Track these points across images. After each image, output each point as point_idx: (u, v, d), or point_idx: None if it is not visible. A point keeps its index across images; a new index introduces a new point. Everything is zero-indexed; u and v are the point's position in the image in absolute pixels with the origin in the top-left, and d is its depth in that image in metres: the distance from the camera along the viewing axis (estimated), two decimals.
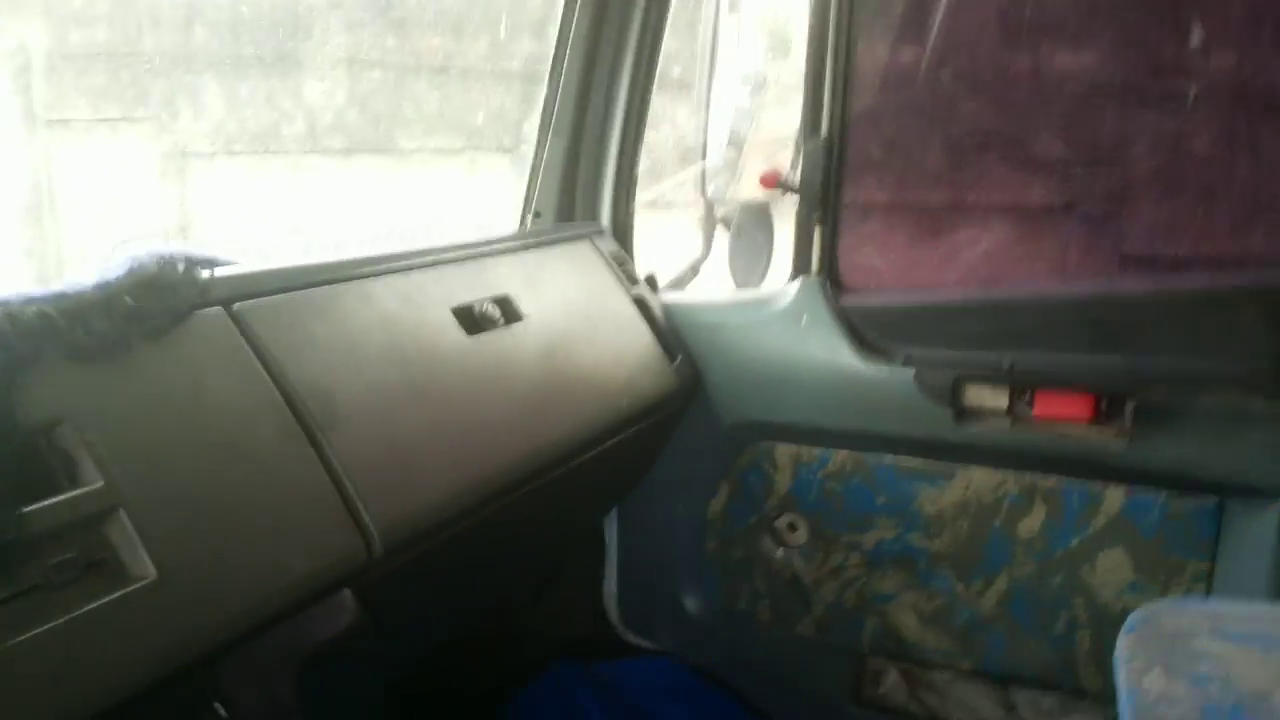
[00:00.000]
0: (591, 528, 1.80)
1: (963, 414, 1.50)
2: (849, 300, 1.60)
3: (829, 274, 1.60)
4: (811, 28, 1.57)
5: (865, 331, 1.57)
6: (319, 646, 0.96)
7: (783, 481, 1.67)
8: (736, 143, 2.42)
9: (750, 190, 2.19)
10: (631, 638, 1.87)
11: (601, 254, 1.62)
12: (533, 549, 1.63)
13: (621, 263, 1.65)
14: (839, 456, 1.61)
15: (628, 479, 1.72)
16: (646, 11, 1.67)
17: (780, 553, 1.71)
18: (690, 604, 1.77)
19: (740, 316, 1.67)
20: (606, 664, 1.75)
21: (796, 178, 1.65)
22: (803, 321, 1.59)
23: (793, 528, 1.70)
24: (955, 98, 1.63)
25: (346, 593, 0.99)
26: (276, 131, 4.38)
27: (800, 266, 1.64)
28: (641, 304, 1.61)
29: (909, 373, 1.51)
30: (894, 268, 1.68)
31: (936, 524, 1.57)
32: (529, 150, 1.71)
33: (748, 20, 2.70)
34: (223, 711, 0.86)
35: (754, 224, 2.13)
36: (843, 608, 1.67)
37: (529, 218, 1.67)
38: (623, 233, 1.73)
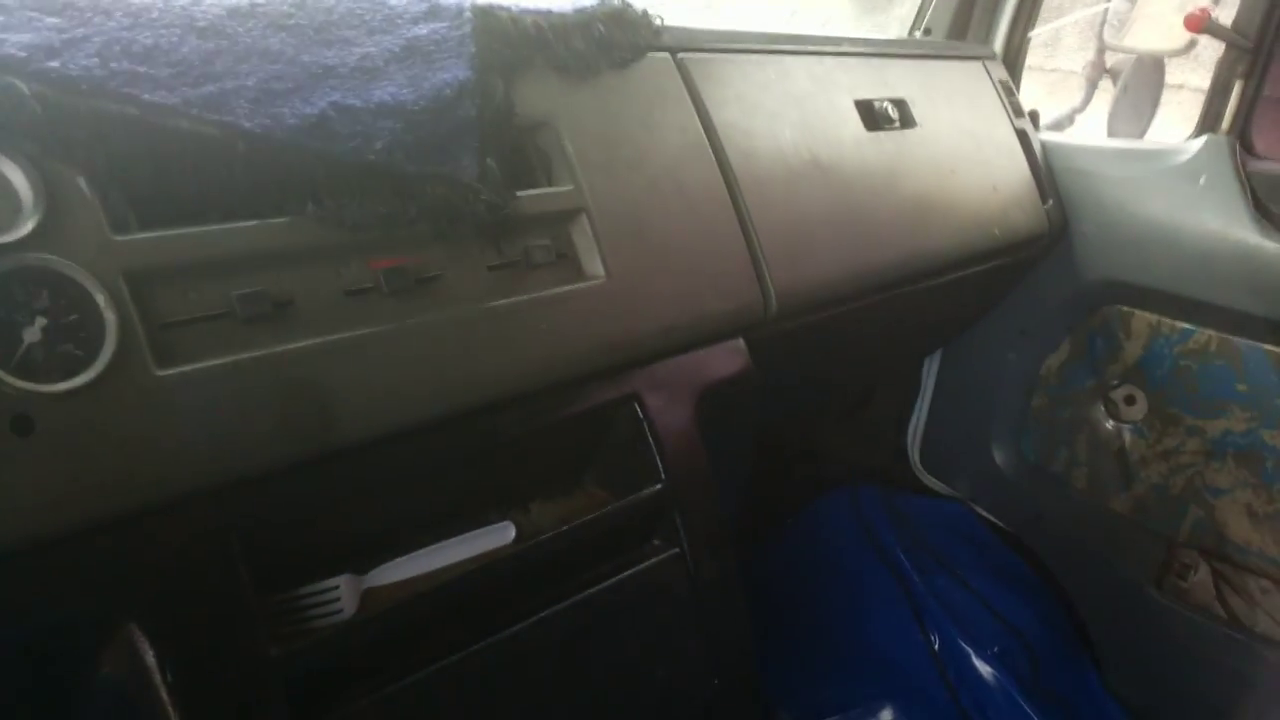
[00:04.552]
0: (913, 362, 1.79)
1: None
2: (1259, 166, 1.43)
3: (1240, 134, 1.44)
4: None
5: (1271, 203, 1.41)
6: (714, 383, 1.02)
7: (1132, 350, 1.57)
8: None
9: (1144, 40, 1.99)
10: (929, 480, 1.87)
11: (991, 79, 1.54)
12: (861, 366, 1.65)
13: (1009, 92, 1.56)
14: (1204, 334, 1.49)
15: (965, 316, 1.68)
16: None
17: (1111, 423, 1.63)
18: (1000, 457, 1.74)
19: (1123, 168, 1.55)
20: (902, 495, 1.76)
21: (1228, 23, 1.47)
22: (1200, 182, 1.45)
23: (1130, 400, 1.61)
24: None
25: (740, 341, 1.05)
26: None
27: (1207, 123, 1.49)
28: (1023, 137, 1.53)
29: None
30: None
31: None
32: None
33: None
34: (641, 414, 0.95)
35: (1144, 78, 1.95)
36: (1166, 492, 1.58)
37: (917, 33, 1.60)
38: (1013, 62, 1.63)
